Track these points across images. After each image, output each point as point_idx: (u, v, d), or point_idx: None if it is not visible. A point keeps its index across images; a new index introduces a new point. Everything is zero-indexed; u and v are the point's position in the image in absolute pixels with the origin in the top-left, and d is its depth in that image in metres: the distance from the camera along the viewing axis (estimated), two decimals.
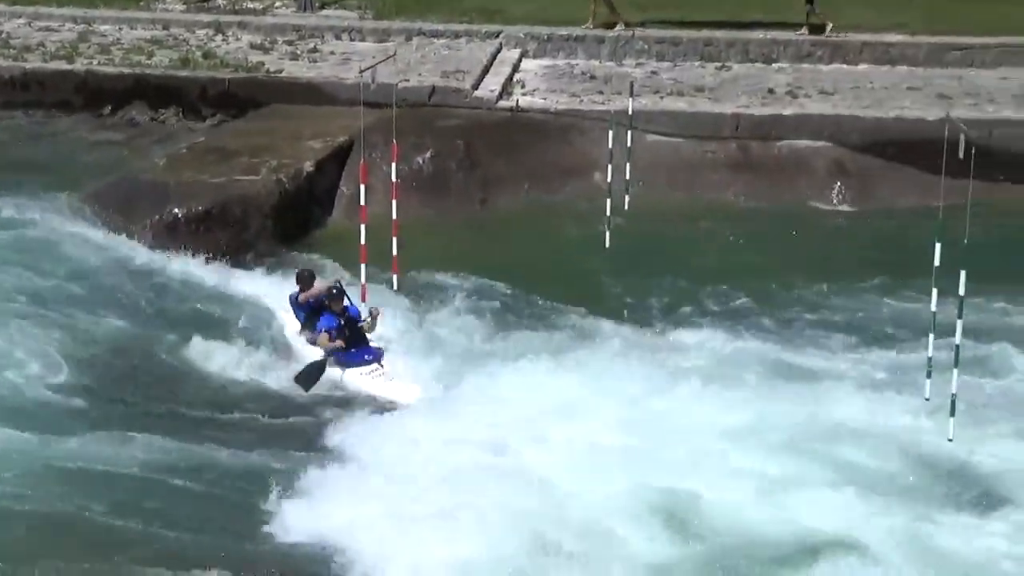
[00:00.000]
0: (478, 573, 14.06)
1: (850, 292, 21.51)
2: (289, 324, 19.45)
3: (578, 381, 17.96)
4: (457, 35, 31.00)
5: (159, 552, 14.09)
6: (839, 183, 25.81)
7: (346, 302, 18.96)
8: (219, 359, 18.79)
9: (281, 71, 28.11)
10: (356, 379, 18.42)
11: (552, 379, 18.03)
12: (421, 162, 24.91)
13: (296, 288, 19.39)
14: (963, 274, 16.21)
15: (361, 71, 20.05)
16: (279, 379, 18.54)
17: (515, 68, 29.12)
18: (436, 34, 31.13)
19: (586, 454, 16.21)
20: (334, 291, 18.92)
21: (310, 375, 18.34)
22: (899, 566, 14.40)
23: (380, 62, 21.01)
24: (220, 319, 19.86)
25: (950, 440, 16.41)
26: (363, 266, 19.55)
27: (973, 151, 15.72)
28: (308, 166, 23.95)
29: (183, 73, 28.04)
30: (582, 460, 16.08)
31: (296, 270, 19.82)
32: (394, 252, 19.66)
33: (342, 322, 18.74)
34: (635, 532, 14.80)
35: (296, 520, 15.03)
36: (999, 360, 19.09)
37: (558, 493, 15.40)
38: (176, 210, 22.14)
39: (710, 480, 15.53)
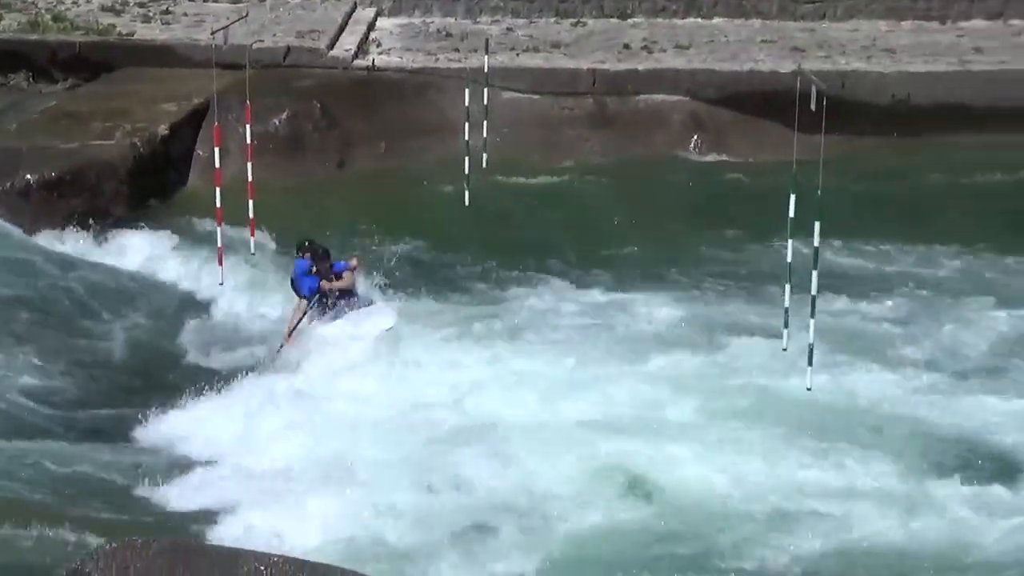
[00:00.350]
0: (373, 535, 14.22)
1: (711, 244, 21.81)
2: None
3: (448, 339, 18.19)
4: None
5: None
6: (696, 136, 25.99)
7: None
8: (78, 325, 18.60)
9: (133, 33, 27.72)
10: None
11: (420, 337, 18.16)
12: (277, 123, 24.71)
13: (303, 259, 18.88)
14: (817, 225, 16.29)
15: (212, 33, 19.83)
16: (145, 346, 18.42)
17: (370, 27, 28.96)
18: None
19: (480, 415, 16.40)
20: (320, 251, 18.70)
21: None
22: (754, 514, 14.78)
23: (233, 23, 20.80)
24: (80, 285, 19.65)
25: (808, 389, 16.58)
26: (219, 229, 19.40)
27: (824, 103, 15.74)
28: (163, 129, 23.67)
29: (32, 37, 27.52)
30: (475, 421, 16.25)
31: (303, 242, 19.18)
32: (250, 215, 19.51)
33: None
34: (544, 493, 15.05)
35: (179, 488, 15.19)
36: (855, 309, 19.48)
37: (453, 457, 15.56)
38: (28, 176, 21.78)
39: (609, 440, 15.83)
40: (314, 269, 18.67)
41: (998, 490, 15.23)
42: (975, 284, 20.49)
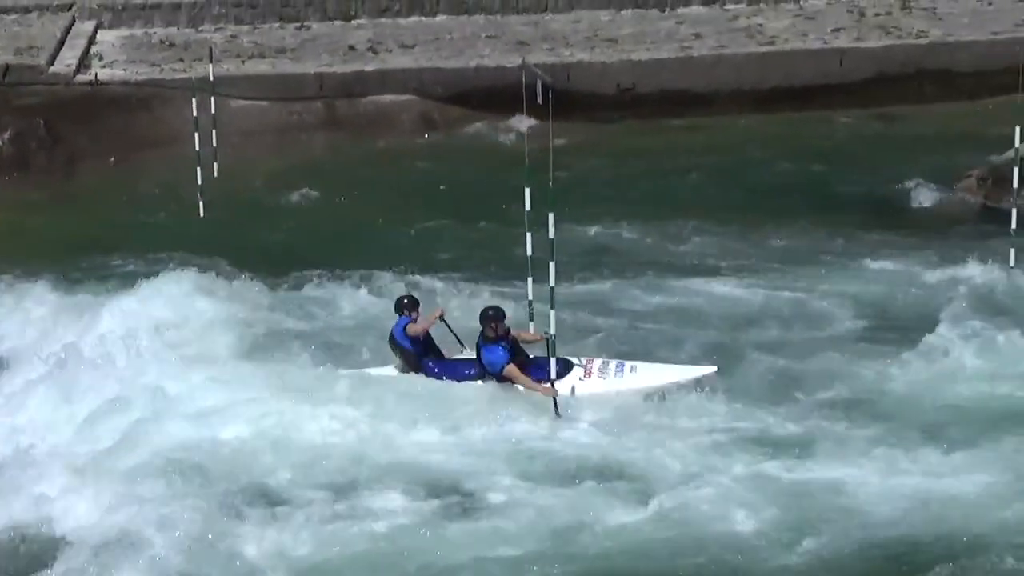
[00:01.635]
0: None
1: (455, 239, 21.88)
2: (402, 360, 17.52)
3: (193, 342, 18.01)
4: (27, 9, 29.84)
5: None
6: (427, 135, 26.18)
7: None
8: None
9: None
10: (586, 387, 16.88)
11: (160, 346, 17.81)
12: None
13: (400, 317, 17.45)
14: (551, 217, 16.54)
15: None
16: None
17: (91, 40, 28.32)
18: (4, 10, 30.00)
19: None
20: (490, 312, 16.92)
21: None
22: (510, 508, 15.02)
23: None
24: None
25: (551, 380, 16.65)
26: None
27: (551, 95, 16.49)
28: None
29: None
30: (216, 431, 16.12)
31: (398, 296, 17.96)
32: None
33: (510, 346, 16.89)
34: None
35: None
36: (593, 296, 19.60)
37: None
38: None
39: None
40: (493, 330, 16.80)
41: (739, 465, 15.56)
42: (712, 258, 21.01)
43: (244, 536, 14.50)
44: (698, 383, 16.81)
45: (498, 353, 16.79)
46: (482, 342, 16.88)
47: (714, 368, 17.02)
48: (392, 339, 17.32)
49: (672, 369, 17.13)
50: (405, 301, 17.53)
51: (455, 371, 17.15)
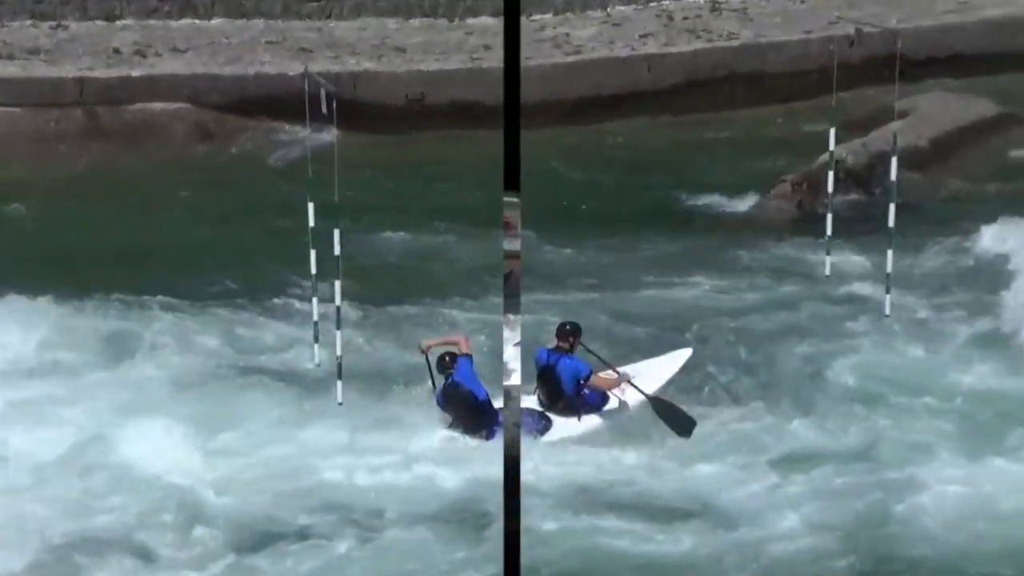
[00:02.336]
0: None
1: (231, 259, 20.99)
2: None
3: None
4: None
5: None
6: (202, 145, 25.05)
7: None
8: None
9: None
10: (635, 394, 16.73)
11: None
12: None
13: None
14: (337, 233, 16.40)
15: None
16: None
17: None
18: None
19: None
20: (568, 327, 16.52)
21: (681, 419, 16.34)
22: None
23: None
24: None
25: (340, 403, 16.81)
26: None
27: (335, 105, 16.22)
28: None
29: None
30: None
31: None
32: None
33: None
34: None
35: None
36: (380, 320, 19.10)
37: None
38: None
39: None
40: (569, 341, 16.47)
41: None
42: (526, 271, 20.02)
43: None
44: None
45: (580, 361, 16.52)
46: (558, 356, 16.42)
47: (690, 350, 17.43)
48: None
49: (660, 361, 17.24)
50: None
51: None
